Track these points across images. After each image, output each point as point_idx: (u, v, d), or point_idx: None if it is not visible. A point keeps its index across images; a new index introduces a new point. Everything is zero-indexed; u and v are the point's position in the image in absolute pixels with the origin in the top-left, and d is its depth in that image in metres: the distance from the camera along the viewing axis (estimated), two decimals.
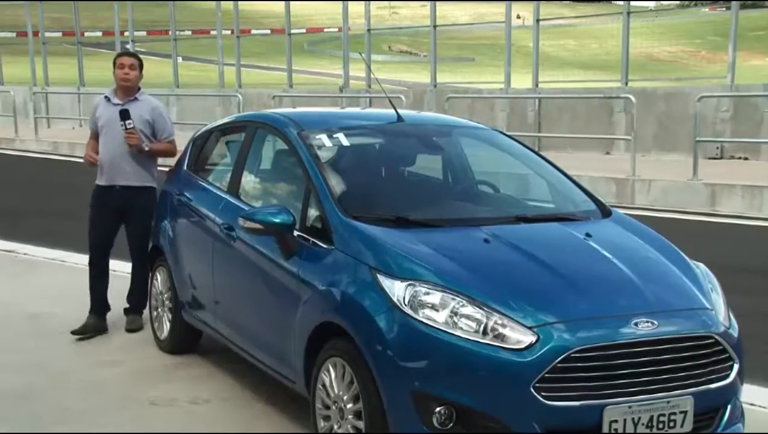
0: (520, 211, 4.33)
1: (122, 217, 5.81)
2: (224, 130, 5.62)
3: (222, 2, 21.49)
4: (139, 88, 5.85)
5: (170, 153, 5.93)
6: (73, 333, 5.60)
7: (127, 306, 5.93)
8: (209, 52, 26.54)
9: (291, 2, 20.38)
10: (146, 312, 5.74)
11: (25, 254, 8.33)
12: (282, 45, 20.92)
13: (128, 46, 23.85)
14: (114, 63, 5.85)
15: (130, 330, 5.79)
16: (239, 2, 21.01)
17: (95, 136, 5.91)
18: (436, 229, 3.88)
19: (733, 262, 7.48)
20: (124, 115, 5.62)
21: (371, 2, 18.75)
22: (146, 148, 5.71)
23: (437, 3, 17.73)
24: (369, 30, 19.01)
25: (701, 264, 4.02)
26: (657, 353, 3.28)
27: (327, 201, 3.99)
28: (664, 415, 3.25)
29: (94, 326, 5.72)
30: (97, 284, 5.84)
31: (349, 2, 18.92)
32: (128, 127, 5.61)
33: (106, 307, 5.85)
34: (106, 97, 5.85)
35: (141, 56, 6.03)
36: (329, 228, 3.89)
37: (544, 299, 3.39)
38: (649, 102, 14.26)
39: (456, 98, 15.86)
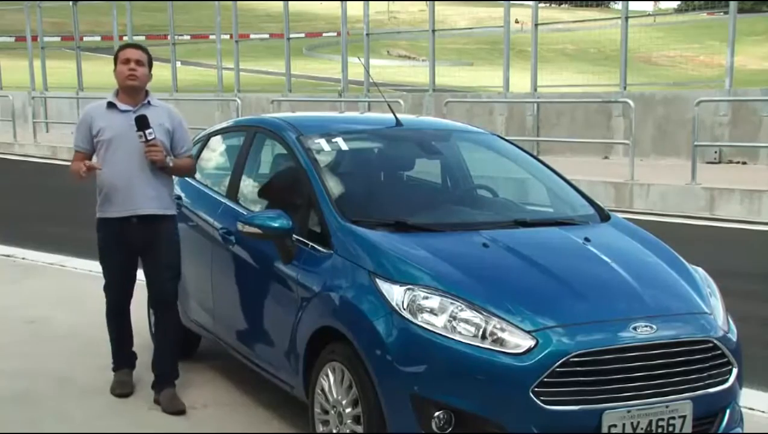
0: (519, 215, 4.34)
1: (139, 255, 4.63)
2: (223, 134, 5.62)
3: (221, 2, 21.48)
4: (147, 91, 4.58)
5: (191, 171, 4.83)
6: (119, 395, 4.64)
7: (154, 377, 4.65)
8: (208, 56, 26.56)
9: (290, 2, 20.39)
10: (144, 317, 5.59)
11: (23, 259, 8.33)
12: (280, 49, 20.93)
13: None
14: (116, 58, 4.50)
15: (174, 412, 4.44)
16: (238, 3, 21.03)
17: (85, 158, 4.48)
18: (434, 234, 3.88)
19: (732, 267, 7.48)
20: (143, 122, 4.35)
21: (369, 2, 18.73)
22: (170, 164, 4.50)
23: (436, 7, 17.74)
24: (368, 34, 19.02)
25: (700, 269, 4.02)
26: (656, 357, 3.28)
27: (326, 205, 3.99)
28: (663, 419, 3.25)
29: (131, 382, 4.76)
30: (123, 337, 4.75)
31: (348, 2, 18.93)
32: (149, 138, 4.35)
33: (135, 357, 4.86)
34: (109, 102, 4.50)
35: None
36: (328, 233, 3.89)
37: (543, 303, 3.39)
38: (647, 106, 14.27)
39: (455, 102, 15.87)
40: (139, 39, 27.58)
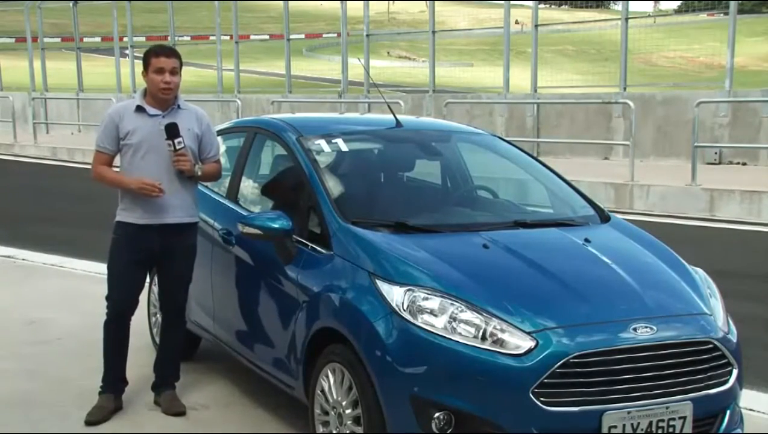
0: (519, 216, 4.34)
1: (155, 260, 4.48)
2: (223, 135, 5.61)
3: (221, 3, 21.48)
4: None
5: (217, 176, 4.62)
6: (88, 423, 4.30)
7: (155, 379, 4.64)
8: (208, 57, 26.57)
9: (290, 3, 20.39)
10: (145, 318, 5.60)
11: (23, 260, 8.33)
12: (280, 50, 20.95)
13: (127, 52, 23.87)
14: (147, 62, 4.30)
15: (174, 413, 4.44)
16: (238, 3, 21.04)
17: (110, 160, 4.37)
18: (434, 235, 3.89)
19: (732, 267, 7.49)
20: (172, 131, 4.23)
21: (369, 3, 18.73)
22: (199, 173, 4.39)
23: (436, 7, 17.74)
24: (368, 35, 19.02)
25: (700, 270, 4.02)
26: (656, 358, 3.28)
27: (326, 206, 3.99)
28: (663, 420, 3.25)
29: (111, 410, 4.42)
30: (116, 356, 4.50)
31: (348, 3, 18.93)
32: (178, 147, 4.23)
33: (125, 384, 4.58)
34: (138, 106, 4.32)
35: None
36: (328, 234, 3.89)
37: (543, 304, 3.39)
38: (647, 107, 14.27)
39: (455, 103, 15.88)
40: (139, 40, 27.63)
